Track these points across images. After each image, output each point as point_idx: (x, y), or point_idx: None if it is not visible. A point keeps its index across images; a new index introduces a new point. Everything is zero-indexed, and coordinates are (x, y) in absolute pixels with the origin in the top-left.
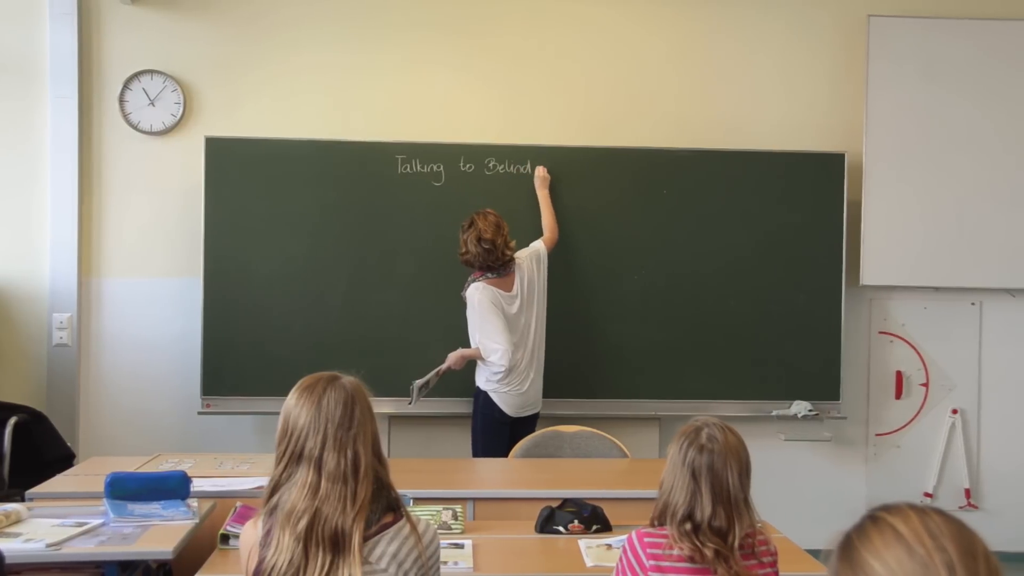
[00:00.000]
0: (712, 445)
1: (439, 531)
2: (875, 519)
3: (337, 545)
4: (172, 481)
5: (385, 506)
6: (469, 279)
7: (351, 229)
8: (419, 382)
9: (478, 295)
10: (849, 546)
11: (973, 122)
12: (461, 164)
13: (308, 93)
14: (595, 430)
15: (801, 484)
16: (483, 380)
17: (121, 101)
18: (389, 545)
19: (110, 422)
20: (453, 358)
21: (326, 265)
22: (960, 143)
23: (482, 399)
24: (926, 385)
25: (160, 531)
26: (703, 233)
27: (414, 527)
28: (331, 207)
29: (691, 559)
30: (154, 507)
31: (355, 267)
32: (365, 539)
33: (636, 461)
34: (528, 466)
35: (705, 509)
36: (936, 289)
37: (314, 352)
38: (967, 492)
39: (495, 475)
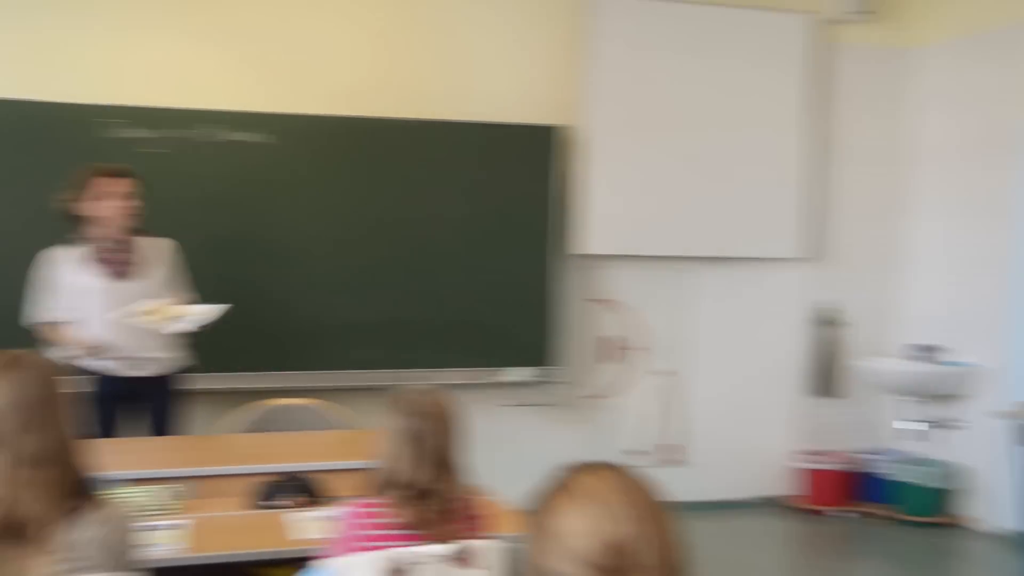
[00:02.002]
0: (423, 410)
1: (156, 512)
2: (562, 478)
3: (20, 534)
4: None
5: (75, 491)
6: (145, 239)
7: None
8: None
9: (177, 252)
10: (540, 504)
11: (687, 101)
12: (186, 131)
13: (9, 53)
14: (321, 402)
15: (521, 448)
16: (180, 348)
17: None
18: (80, 531)
19: None
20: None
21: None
22: (674, 120)
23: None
24: (638, 349)
25: None
26: (428, 204)
27: (107, 512)
28: (37, 173)
29: (406, 525)
30: None
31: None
32: (54, 526)
33: (359, 432)
34: (252, 441)
35: (418, 473)
36: (648, 257)
37: None
38: (677, 448)
39: (217, 452)
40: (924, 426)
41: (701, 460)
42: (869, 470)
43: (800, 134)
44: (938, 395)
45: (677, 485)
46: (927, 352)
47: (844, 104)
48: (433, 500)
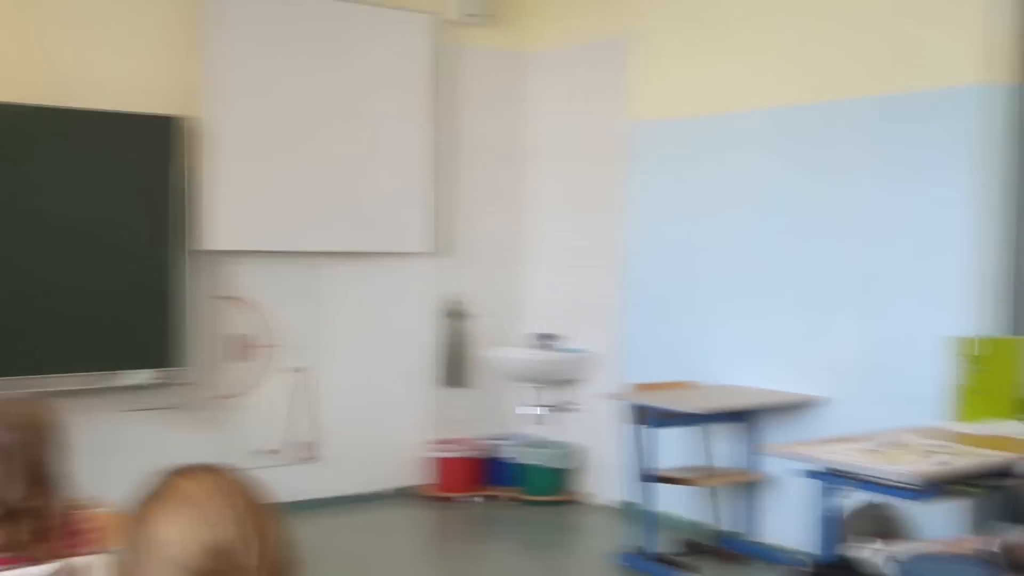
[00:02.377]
0: (13, 422)
1: None
2: (157, 484)
3: None
4: None
5: None
6: None
7: None
8: None
9: None
10: (141, 508)
11: (316, 96)
12: None
13: None
14: None
15: (145, 455)
16: None
17: None
18: None
19: None
20: None
21: None
22: (302, 115)
23: None
24: (269, 346)
25: None
26: (37, 197)
27: None
28: None
29: (6, 547)
30: None
31: None
32: None
33: None
34: None
35: (19, 491)
36: (279, 253)
37: None
38: (309, 445)
39: None
40: (544, 410)
41: (335, 456)
42: (496, 455)
43: (426, 132)
44: (557, 380)
45: (310, 482)
46: (547, 340)
47: (468, 104)
48: (27, 519)
